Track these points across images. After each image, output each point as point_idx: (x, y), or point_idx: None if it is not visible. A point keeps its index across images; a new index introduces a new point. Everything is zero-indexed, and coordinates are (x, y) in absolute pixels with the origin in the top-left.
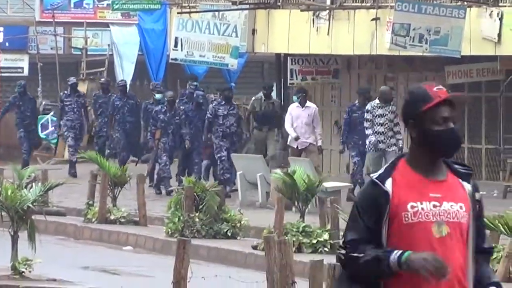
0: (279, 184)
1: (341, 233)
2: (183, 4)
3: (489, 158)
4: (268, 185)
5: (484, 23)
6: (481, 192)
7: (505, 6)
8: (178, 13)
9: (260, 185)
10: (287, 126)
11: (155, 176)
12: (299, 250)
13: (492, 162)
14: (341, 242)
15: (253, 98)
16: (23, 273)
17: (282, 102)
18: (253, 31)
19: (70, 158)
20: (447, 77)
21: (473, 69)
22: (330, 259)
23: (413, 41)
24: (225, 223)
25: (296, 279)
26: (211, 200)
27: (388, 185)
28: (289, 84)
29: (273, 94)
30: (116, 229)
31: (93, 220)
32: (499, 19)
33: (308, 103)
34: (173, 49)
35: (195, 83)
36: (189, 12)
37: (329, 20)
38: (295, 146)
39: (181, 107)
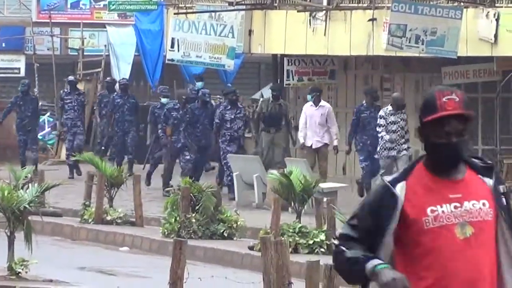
0: (276, 185)
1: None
2: (180, 5)
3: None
4: (264, 186)
5: (480, 24)
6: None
7: (502, 7)
8: (174, 13)
9: (257, 186)
10: (300, 127)
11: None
12: (295, 250)
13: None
14: (339, 231)
15: (261, 99)
16: (20, 274)
17: (271, 100)
18: (250, 32)
19: (67, 161)
20: (444, 78)
21: (469, 70)
22: (326, 260)
23: (409, 42)
24: (221, 223)
25: (292, 279)
26: (208, 200)
27: (399, 189)
28: (286, 84)
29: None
30: (113, 230)
31: (90, 220)
32: (496, 20)
33: (322, 102)
34: (169, 50)
35: (196, 88)
36: (186, 13)
37: (325, 20)
38: (310, 145)
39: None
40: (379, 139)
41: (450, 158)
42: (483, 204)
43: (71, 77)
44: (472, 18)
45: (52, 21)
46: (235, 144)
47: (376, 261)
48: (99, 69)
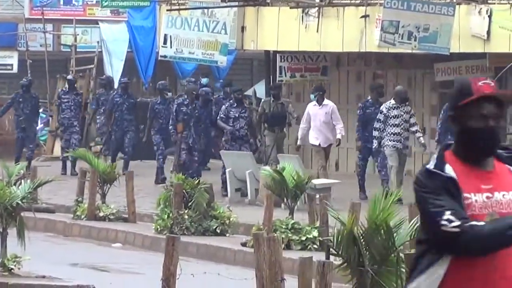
0: (268, 181)
1: (330, 230)
2: (173, 1)
3: None
4: (257, 182)
5: (473, 20)
6: None
7: (494, 3)
8: (167, 10)
9: (249, 182)
10: (300, 127)
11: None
12: (288, 247)
13: None
14: (438, 221)
15: (262, 100)
16: (12, 270)
17: (272, 99)
18: (242, 28)
19: (62, 159)
20: (436, 74)
21: (462, 66)
22: (319, 256)
23: (402, 38)
24: (214, 220)
25: (285, 276)
26: (200, 197)
27: (450, 171)
28: (278, 81)
29: (262, 92)
30: (105, 226)
31: (82, 217)
32: (488, 16)
33: (326, 101)
34: (162, 46)
35: (193, 79)
36: (178, 9)
37: (318, 17)
38: (318, 144)
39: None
40: (378, 132)
41: (488, 144)
42: None
43: (70, 76)
44: (465, 15)
45: (45, 17)
46: (237, 144)
47: None
48: (92, 66)
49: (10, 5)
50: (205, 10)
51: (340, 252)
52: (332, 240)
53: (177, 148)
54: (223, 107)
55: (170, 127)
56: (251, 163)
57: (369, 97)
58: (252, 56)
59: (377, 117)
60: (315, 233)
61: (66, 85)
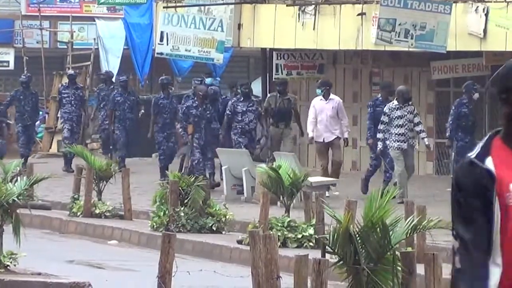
0: (264, 179)
1: (326, 228)
2: None
3: None
4: (253, 180)
5: (470, 18)
6: None
7: (491, 1)
8: (164, 7)
9: (245, 180)
10: (309, 121)
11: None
12: (284, 244)
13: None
14: (452, 232)
15: (269, 95)
16: (8, 267)
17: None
18: (239, 26)
19: (63, 150)
20: (433, 72)
21: (458, 64)
22: (315, 254)
23: (398, 36)
24: (210, 217)
25: (281, 273)
26: (196, 194)
27: (489, 163)
28: (275, 78)
29: (259, 90)
30: (101, 223)
31: (78, 214)
32: (485, 14)
33: (332, 96)
34: (158, 44)
35: (199, 79)
36: (175, 7)
37: (315, 15)
38: (322, 140)
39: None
40: (382, 134)
41: None
42: None
43: (70, 71)
44: (462, 13)
45: (42, 14)
46: (246, 137)
47: None
48: (88, 63)
49: (7, 2)
50: (202, 8)
51: (336, 250)
52: (328, 238)
53: (189, 150)
54: (229, 102)
55: (180, 130)
56: (247, 161)
57: (379, 95)
58: (248, 53)
59: (382, 119)
60: (311, 231)
61: (67, 81)
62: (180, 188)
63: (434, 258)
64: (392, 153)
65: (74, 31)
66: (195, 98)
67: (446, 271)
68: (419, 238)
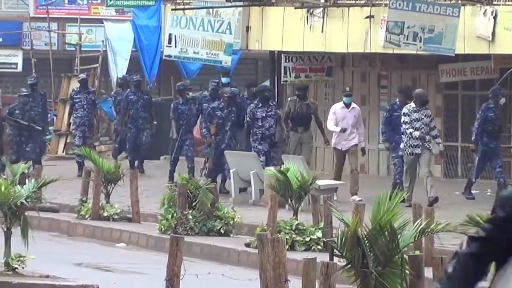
0: (273, 182)
1: (334, 231)
2: (177, 1)
3: None
4: (261, 183)
5: (478, 21)
6: (473, 191)
7: (500, 4)
8: (172, 9)
9: (254, 183)
10: (330, 125)
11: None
12: (292, 248)
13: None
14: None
15: (289, 99)
16: (16, 269)
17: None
18: (247, 28)
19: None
20: (441, 75)
21: (467, 67)
22: (323, 257)
23: (407, 39)
24: (218, 220)
25: (289, 277)
26: (204, 197)
27: None
28: (283, 81)
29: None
30: (109, 226)
31: (86, 216)
32: (493, 17)
33: (352, 104)
34: (167, 46)
35: (216, 81)
36: (183, 9)
37: (323, 17)
38: (340, 148)
39: (204, 105)
40: (404, 136)
41: None
42: None
43: (82, 75)
44: (470, 16)
45: (50, 16)
46: (266, 143)
47: None
48: (96, 65)
49: (15, 4)
50: (210, 10)
51: (344, 253)
52: (336, 241)
53: (211, 151)
54: (248, 109)
55: (204, 130)
56: (256, 164)
57: (397, 100)
58: (256, 56)
59: (403, 120)
60: (319, 234)
61: (78, 85)
62: (188, 191)
63: (442, 261)
64: (405, 158)
65: (83, 33)
66: (221, 100)
67: None
68: (427, 241)
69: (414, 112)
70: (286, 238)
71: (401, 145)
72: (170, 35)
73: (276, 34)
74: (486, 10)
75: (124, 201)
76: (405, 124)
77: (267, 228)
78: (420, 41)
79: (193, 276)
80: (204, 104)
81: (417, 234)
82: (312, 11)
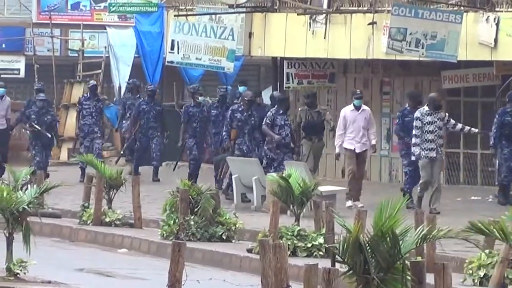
0: (274, 188)
1: (336, 237)
2: (180, 7)
3: (484, 164)
4: (263, 189)
5: (480, 28)
6: (476, 197)
7: (502, 11)
8: (175, 15)
9: (256, 189)
10: (338, 134)
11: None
12: (294, 253)
13: (487, 168)
14: None
15: (299, 109)
16: (18, 275)
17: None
18: (250, 35)
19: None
20: (443, 82)
21: (469, 74)
22: (325, 263)
23: (409, 46)
24: (220, 226)
25: (290, 283)
26: (206, 203)
27: None
28: (285, 87)
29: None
30: (111, 232)
31: (88, 222)
32: (496, 24)
33: (363, 106)
34: (169, 52)
35: (224, 87)
36: (186, 15)
37: (325, 24)
38: (353, 149)
39: (213, 111)
40: (415, 139)
41: None
42: None
43: (92, 81)
44: (472, 22)
45: (52, 22)
46: (282, 152)
47: None
48: (99, 71)
49: (18, 10)
50: (213, 16)
51: (346, 259)
52: (338, 247)
53: (230, 155)
54: (269, 113)
55: (224, 133)
56: (258, 170)
57: (406, 105)
58: (259, 62)
59: (414, 124)
60: (321, 240)
61: (88, 92)
62: (190, 197)
63: (444, 268)
64: (420, 162)
65: (85, 39)
66: (241, 103)
67: (455, 280)
68: (429, 247)
69: (427, 116)
70: (288, 244)
71: (414, 149)
72: (172, 41)
73: (279, 40)
74: (488, 16)
75: (126, 207)
76: (416, 128)
77: (269, 234)
78: (422, 48)
79: (194, 282)
80: (213, 111)
81: (419, 240)
82: (315, 17)
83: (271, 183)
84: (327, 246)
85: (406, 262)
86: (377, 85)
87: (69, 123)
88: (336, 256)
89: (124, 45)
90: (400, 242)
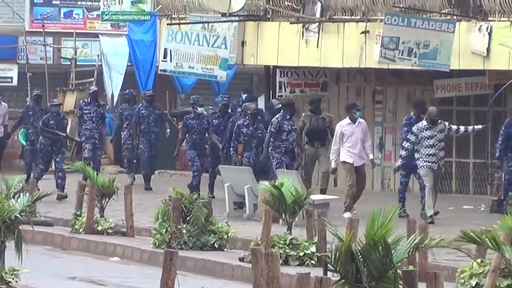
0: (267, 196)
1: (328, 246)
2: (173, 16)
3: (477, 172)
4: (255, 197)
5: (473, 37)
6: (468, 206)
7: (495, 20)
8: (167, 24)
9: (248, 197)
10: (334, 148)
11: None
12: (286, 262)
13: (479, 176)
14: None
15: (303, 114)
16: (10, 283)
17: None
18: (243, 43)
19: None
20: (436, 91)
21: (461, 83)
22: (317, 272)
23: (402, 55)
24: (212, 234)
25: None
26: (199, 211)
27: None
28: (278, 96)
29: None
30: (104, 240)
31: (81, 230)
32: (488, 33)
33: (359, 119)
34: (162, 60)
35: (227, 96)
36: (179, 24)
37: (318, 32)
38: (351, 162)
39: (214, 121)
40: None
41: None
42: None
43: (93, 87)
44: (465, 32)
45: (45, 30)
46: (288, 156)
47: None
48: (92, 79)
49: (11, 18)
50: (206, 25)
51: (338, 268)
52: (330, 256)
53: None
54: (275, 120)
55: (231, 149)
56: (250, 178)
57: (412, 114)
58: (252, 71)
59: (407, 136)
60: (313, 248)
61: (89, 97)
62: (183, 205)
63: (436, 277)
64: (422, 171)
65: (78, 48)
66: (247, 117)
67: None
68: (421, 256)
69: (426, 130)
70: (280, 253)
71: (418, 163)
72: (165, 49)
73: (272, 49)
74: (481, 26)
75: (119, 215)
76: (408, 142)
77: (261, 243)
78: (415, 57)
79: None
80: (214, 121)
81: (411, 250)
82: (308, 26)
83: (263, 192)
84: (319, 255)
85: (398, 271)
86: (370, 94)
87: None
88: (328, 265)
89: (116, 53)
90: (392, 251)
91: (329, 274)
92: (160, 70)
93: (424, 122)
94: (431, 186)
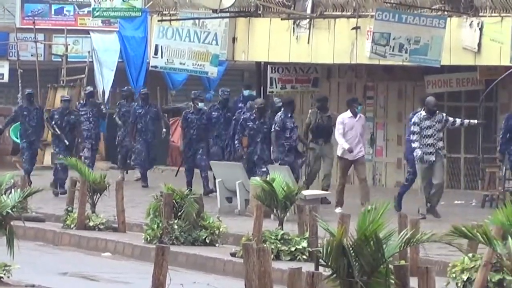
0: (258, 192)
1: (320, 241)
2: (164, 12)
3: (468, 168)
4: (247, 193)
5: (464, 33)
6: (459, 202)
7: (485, 16)
8: (158, 20)
9: (239, 193)
10: (339, 137)
11: None
12: (277, 257)
13: (471, 172)
14: None
15: (310, 111)
16: (2, 279)
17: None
18: (234, 39)
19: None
20: (427, 86)
21: (452, 78)
22: (308, 267)
23: (393, 51)
24: (203, 230)
25: (274, 286)
26: (190, 207)
27: None
28: (269, 92)
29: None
30: (95, 236)
31: (72, 226)
32: (479, 29)
33: (360, 113)
34: (153, 57)
35: (228, 90)
36: (170, 20)
37: (309, 28)
38: (347, 158)
39: (213, 113)
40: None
41: None
42: None
43: (89, 87)
44: (456, 27)
45: (36, 27)
46: (292, 154)
47: None
48: (83, 76)
49: (1, 15)
50: (196, 21)
51: (329, 263)
52: (321, 251)
53: (244, 163)
54: (278, 118)
55: (236, 142)
56: (241, 174)
57: (419, 109)
58: (243, 67)
59: (412, 129)
60: (304, 243)
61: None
62: (174, 201)
63: (427, 271)
64: (418, 165)
65: (69, 44)
66: (254, 111)
67: (439, 284)
68: (413, 251)
69: (425, 120)
70: (272, 248)
71: (416, 152)
72: (156, 46)
73: (262, 45)
74: (472, 21)
75: (110, 211)
76: (415, 134)
77: (252, 238)
78: (406, 52)
79: (178, 285)
80: (213, 113)
81: (403, 244)
82: (299, 22)
83: (255, 187)
84: (310, 250)
85: (390, 266)
86: (361, 90)
87: None
88: (320, 260)
89: (107, 50)
90: (384, 246)
91: (321, 269)
92: (151, 67)
93: (422, 112)
94: (422, 183)
